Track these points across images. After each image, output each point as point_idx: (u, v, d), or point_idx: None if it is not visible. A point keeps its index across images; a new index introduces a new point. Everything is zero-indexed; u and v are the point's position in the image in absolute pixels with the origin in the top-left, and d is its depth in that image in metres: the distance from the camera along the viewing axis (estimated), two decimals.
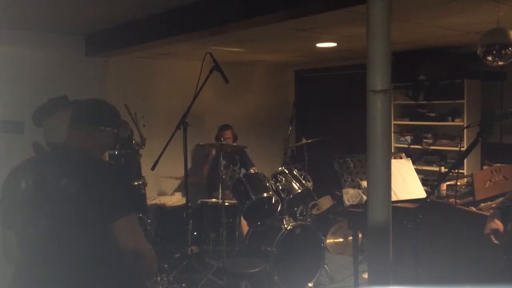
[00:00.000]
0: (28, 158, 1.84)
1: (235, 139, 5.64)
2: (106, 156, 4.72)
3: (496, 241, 2.57)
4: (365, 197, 3.40)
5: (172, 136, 4.00)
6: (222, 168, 4.40)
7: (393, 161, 2.56)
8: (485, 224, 2.65)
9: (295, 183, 4.51)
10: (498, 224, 2.60)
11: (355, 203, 3.57)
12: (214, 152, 5.39)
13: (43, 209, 1.70)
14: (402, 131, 5.97)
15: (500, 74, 5.25)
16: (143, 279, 1.89)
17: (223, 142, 4.79)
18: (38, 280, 1.72)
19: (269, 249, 3.97)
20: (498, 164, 3.58)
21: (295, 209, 5.03)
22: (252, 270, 3.40)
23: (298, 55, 5.96)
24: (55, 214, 1.68)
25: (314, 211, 5.64)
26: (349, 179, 3.76)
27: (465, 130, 5.06)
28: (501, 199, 3.19)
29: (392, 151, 5.34)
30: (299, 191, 4.48)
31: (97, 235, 1.67)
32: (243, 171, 5.32)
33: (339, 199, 5.00)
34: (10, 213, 1.79)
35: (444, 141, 5.63)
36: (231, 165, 5.35)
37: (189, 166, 4.62)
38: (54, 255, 1.69)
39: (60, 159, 1.80)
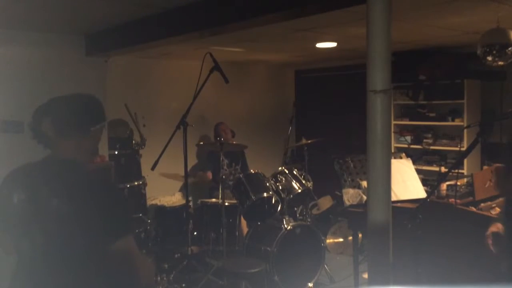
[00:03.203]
0: (20, 166, 1.73)
1: (233, 134, 5.67)
2: (106, 156, 4.74)
3: (491, 248, 2.54)
4: (365, 197, 3.40)
5: (172, 136, 4.00)
6: (225, 167, 4.39)
7: (393, 161, 2.56)
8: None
9: (295, 183, 4.51)
10: (498, 227, 2.58)
11: (355, 203, 3.57)
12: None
13: (38, 226, 1.63)
14: (402, 131, 5.96)
15: (500, 74, 5.25)
16: None
17: (223, 141, 4.79)
18: (38, 284, 1.69)
19: (269, 249, 3.97)
20: (498, 164, 3.58)
21: (295, 209, 5.03)
22: (252, 270, 3.40)
23: (298, 55, 5.96)
24: (51, 232, 1.62)
25: (314, 211, 5.64)
26: (349, 179, 3.77)
27: (465, 130, 5.07)
28: (502, 198, 3.19)
29: (392, 151, 5.34)
30: (299, 191, 4.48)
31: (95, 255, 1.62)
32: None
33: (339, 199, 5.00)
34: (3, 221, 1.74)
35: (444, 141, 5.63)
36: (233, 164, 5.36)
37: (190, 166, 4.62)
38: (52, 268, 1.65)
39: (52, 175, 1.68)
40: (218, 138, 5.35)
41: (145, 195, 4.89)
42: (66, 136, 1.71)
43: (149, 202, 5.17)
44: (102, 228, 1.59)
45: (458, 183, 3.37)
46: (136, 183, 4.66)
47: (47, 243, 1.63)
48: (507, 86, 5.32)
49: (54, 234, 1.61)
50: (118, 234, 1.60)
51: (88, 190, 1.65)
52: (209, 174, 5.54)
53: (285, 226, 4.07)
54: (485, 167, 4.10)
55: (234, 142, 5.35)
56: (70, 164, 1.69)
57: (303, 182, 4.57)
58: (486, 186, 3.27)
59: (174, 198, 5.41)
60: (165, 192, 5.68)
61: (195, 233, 4.52)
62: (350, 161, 3.84)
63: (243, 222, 4.67)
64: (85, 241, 1.60)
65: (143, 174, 4.94)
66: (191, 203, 4.53)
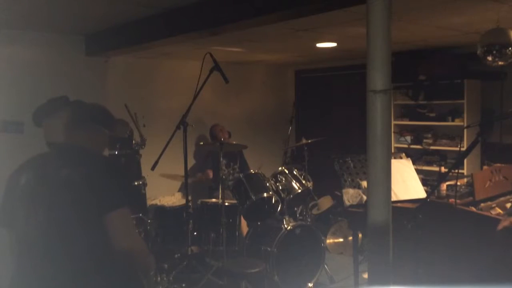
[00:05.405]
0: (29, 157, 1.90)
1: (229, 134, 5.68)
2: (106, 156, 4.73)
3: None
4: (365, 197, 3.40)
5: (172, 136, 4.00)
6: (223, 167, 4.39)
7: (393, 161, 2.56)
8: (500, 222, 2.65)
9: (295, 183, 4.51)
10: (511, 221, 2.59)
11: (355, 203, 3.56)
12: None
13: (42, 199, 1.75)
14: (402, 131, 5.96)
15: (500, 74, 5.25)
16: (139, 276, 1.90)
17: (223, 141, 4.79)
18: (39, 273, 1.74)
19: (269, 249, 3.97)
20: (498, 164, 3.58)
21: (295, 209, 5.03)
22: (252, 270, 3.40)
23: (298, 55, 5.96)
24: (54, 203, 1.74)
25: (314, 211, 5.64)
26: (349, 179, 3.76)
27: (465, 130, 5.07)
28: (502, 198, 3.19)
29: (392, 151, 5.34)
30: (299, 191, 4.48)
31: (93, 226, 1.71)
32: None
33: (339, 199, 5.00)
34: (9, 212, 1.83)
35: (444, 141, 5.63)
36: (231, 164, 5.35)
37: (190, 166, 4.62)
38: (54, 245, 1.73)
39: (61, 154, 1.87)
40: (215, 139, 5.35)
41: (145, 195, 4.89)
42: (79, 130, 1.93)
43: (149, 202, 5.17)
44: (100, 198, 1.72)
45: (458, 183, 3.37)
46: (136, 183, 4.65)
47: (50, 215, 1.73)
48: (507, 86, 5.32)
49: (57, 203, 1.74)
50: (114, 205, 1.73)
51: (92, 162, 1.84)
52: (209, 173, 5.53)
53: (285, 226, 4.07)
54: (485, 167, 4.09)
55: (234, 142, 5.35)
56: (78, 147, 1.91)
57: (303, 182, 4.56)
58: (486, 186, 3.27)
59: (174, 198, 5.42)
60: (165, 192, 5.69)
61: (195, 233, 4.52)
62: (350, 161, 3.84)
63: (243, 222, 4.67)
64: (83, 210, 1.72)
65: (143, 174, 4.94)
66: (191, 203, 4.53)
